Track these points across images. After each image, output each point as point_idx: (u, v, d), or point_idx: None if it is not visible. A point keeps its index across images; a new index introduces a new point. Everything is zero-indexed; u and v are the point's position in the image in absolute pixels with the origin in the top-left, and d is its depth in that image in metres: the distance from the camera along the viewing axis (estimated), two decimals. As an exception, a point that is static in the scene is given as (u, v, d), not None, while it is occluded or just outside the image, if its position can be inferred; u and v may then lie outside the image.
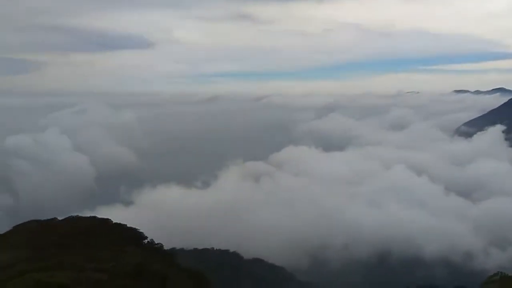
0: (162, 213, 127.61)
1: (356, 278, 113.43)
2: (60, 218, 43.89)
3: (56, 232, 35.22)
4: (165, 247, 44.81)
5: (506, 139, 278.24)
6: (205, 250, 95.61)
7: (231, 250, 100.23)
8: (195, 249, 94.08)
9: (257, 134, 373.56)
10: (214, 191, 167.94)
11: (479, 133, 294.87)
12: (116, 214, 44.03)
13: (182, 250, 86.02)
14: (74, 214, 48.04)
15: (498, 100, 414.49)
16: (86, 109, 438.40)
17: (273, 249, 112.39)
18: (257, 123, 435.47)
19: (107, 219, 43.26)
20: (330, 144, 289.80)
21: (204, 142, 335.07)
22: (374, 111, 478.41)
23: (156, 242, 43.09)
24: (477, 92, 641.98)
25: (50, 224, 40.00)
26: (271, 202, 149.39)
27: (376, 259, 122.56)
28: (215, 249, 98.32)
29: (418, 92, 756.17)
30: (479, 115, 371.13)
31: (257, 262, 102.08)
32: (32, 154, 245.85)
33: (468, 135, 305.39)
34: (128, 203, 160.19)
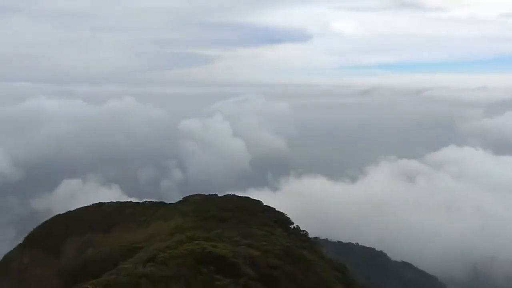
0: (307, 202, 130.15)
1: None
2: (219, 194, 48.50)
3: (216, 206, 39.16)
4: (310, 236, 45.65)
5: None
6: (349, 245, 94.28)
7: (377, 248, 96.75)
8: (339, 242, 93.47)
9: (414, 130, 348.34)
10: (363, 186, 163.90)
11: None
12: (264, 197, 46.37)
13: (326, 240, 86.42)
14: (230, 192, 52.59)
15: None
16: (247, 98, 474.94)
17: (425, 255, 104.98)
18: (415, 118, 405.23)
19: (259, 200, 46.00)
20: (503, 146, 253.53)
21: (356, 135, 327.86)
22: None
23: (302, 229, 44.14)
24: None
25: (212, 199, 44.61)
26: (426, 204, 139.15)
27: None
28: (360, 245, 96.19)
29: None
30: None
31: (405, 265, 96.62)
32: (200, 136, 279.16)
33: None
34: (275, 188, 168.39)
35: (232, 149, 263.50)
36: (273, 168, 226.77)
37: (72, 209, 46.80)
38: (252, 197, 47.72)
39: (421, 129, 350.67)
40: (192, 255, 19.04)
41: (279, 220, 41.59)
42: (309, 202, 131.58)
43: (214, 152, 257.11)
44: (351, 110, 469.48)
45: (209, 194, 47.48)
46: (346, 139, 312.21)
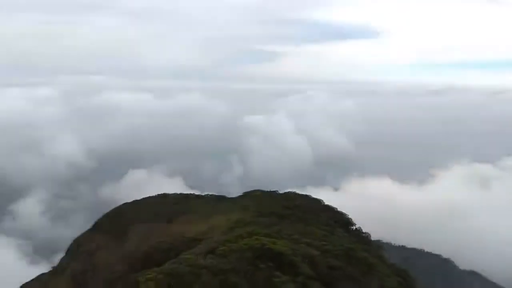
0: (370, 204, 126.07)
1: None
2: (280, 191, 48.11)
3: (276, 203, 38.92)
4: (372, 238, 43.92)
5: None
6: (413, 250, 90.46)
7: (444, 256, 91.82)
8: (403, 247, 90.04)
9: (490, 132, 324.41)
10: (432, 190, 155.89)
11: None
12: (325, 197, 45.14)
13: (388, 244, 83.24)
14: (291, 189, 52.01)
15: None
16: (311, 96, 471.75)
17: (496, 265, 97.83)
18: (492, 120, 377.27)
19: (319, 199, 44.95)
20: None
21: (426, 136, 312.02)
22: None
23: (364, 231, 42.59)
24: None
25: (272, 195, 44.40)
26: (501, 212, 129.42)
27: None
28: (425, 251, 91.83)
29: None
30: None
31: (474, 275, 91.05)
32: (263, 132, 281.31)
33: None
34: (336, 188, 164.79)
35: (294, 146, 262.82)
36: (335, 167, 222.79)
37: (138, 198, 48.89)
38: (312, 196, 46.87)
39: (497, 132, 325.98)
40: (251, 250, 19.01)
41: (340, 220, 40.50)
42: (372, 204, 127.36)
43: (276, 148, 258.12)
44: (422, 110, 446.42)
45: (269, 190, 47.27)
46: (416, 140, 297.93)
